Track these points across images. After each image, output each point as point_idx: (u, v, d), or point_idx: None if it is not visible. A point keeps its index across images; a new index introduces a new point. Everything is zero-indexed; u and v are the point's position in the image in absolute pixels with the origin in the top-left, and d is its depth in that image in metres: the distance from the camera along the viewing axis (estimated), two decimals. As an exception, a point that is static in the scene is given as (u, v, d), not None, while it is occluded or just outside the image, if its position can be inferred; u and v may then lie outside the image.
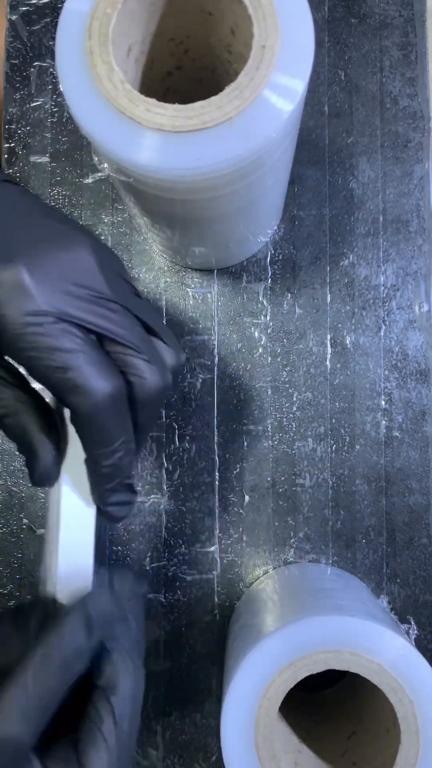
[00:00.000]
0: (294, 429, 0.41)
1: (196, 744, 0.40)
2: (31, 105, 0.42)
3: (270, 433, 0.41)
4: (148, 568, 0.40)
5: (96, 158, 0.27)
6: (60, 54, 0.24)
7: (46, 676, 0.22)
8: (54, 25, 0.42)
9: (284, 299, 0.41)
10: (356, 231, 0.41)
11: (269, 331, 0.41)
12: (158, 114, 0.24)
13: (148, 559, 0.40)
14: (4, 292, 0.22)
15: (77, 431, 0.25)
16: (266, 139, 0.23)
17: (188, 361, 0.41)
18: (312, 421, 0.41)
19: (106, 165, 0.26)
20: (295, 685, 0.29)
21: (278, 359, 0.41)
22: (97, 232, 0.42)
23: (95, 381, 0.23)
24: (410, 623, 0.40)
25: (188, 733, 0.40)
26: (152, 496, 0.41)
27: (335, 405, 0.41)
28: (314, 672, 0.29)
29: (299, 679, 0.29)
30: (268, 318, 0.41)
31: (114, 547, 0.40)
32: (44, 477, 0.26)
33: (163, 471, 0.41)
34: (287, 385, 0.41)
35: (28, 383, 0.26)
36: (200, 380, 0.41)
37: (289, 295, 0.41)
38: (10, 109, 0.42)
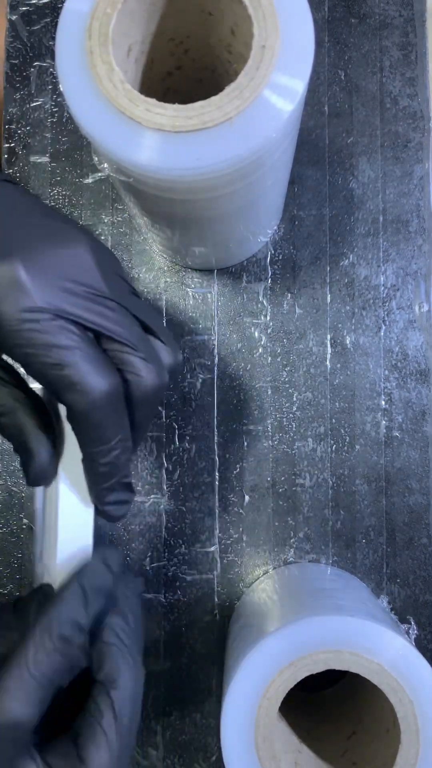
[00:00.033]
0: (294, 429, 0.41)
1: (196, 744, 0.40)
2: (31, 105, 0.42)
3: (270, 433, 0.41)
4: (148, 568, 0.40)
5: (96, 158, 0.27)
6: (60, 54, 0.24)
7: (47, 651, 0.23)
8: (54, 25, 0.42)
9: (284, 299, 0.41)
10: (356, 231, 0.41)
11: (269, 331, 0.41)
12: (158, 114, 0.24)
13: (148, 559, 0.40)
14: (1, 289, 0.22)
15: (74, 429, 0.24)
16: (266, 139, 0.23)
17: (188, 361, 0.41)
18: (312, 421, 0.41)
19: (106, 165, 0.26)
20: (295, 685, 0.29)
21: (278, 359, 0.41)
22: (97, 232, 0.42)
23: (92, 378, 0.23)
24: (410, 623, 0.40)
25: (188, 733, 0.40)
26: (152, 496, 0.41)
27: (335, 405, 0.41)
28: (314, 672, 0.29)
29: (299, 679, 0.29)
30: (268, 318, 0.41)
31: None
32: (40, 476, 0.26)
33: (163, 471, 0.41)
34: (287, 385, 0.41)
35: (24, 382, 0.26)
36: (200, 380, 0.41)
37: (289, 295, 0.41)
38: (10, 109, 0.42)
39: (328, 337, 0.41)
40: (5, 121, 0.42)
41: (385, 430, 0.40)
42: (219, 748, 0.37)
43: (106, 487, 0.26)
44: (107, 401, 0.24)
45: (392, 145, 0.41)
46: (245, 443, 0.41)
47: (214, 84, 0.33)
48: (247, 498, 0.41)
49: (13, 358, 0.23)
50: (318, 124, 0.42)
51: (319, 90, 0.42)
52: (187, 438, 0.41)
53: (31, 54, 0.42)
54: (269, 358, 0.41)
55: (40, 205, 0.26)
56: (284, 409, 0.41)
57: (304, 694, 0.39)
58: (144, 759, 0.40)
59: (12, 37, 0.42)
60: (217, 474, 0.41)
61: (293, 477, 0.40)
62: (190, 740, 0.40)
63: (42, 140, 0.42)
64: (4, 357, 0.26)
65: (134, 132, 0.24)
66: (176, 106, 0.24)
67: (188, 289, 0.42)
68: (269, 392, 0.41)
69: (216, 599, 0.40)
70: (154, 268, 0.42)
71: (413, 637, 0.39)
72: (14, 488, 0.41)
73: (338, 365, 0.41)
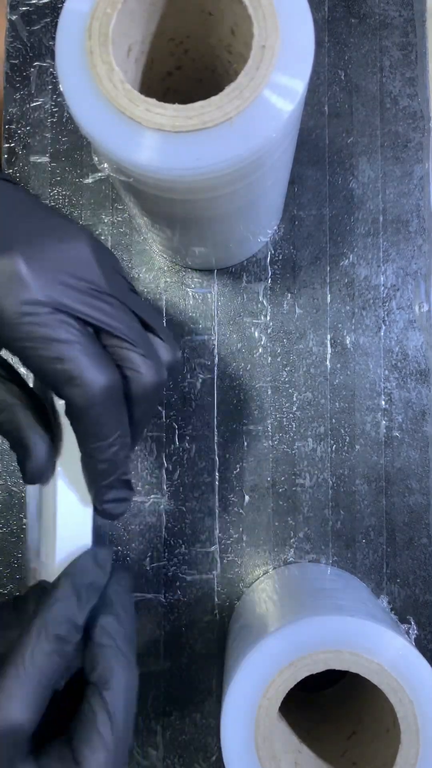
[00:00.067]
0: (294, 429, 0.41)
1: (196, 744, 0.40)
2: (31, 105, 0.42)
3: (270, 433, 0.41)
4: (148, 568, 0.40)
5: (96, 158, 0.27)
6: (60, 54, 0.24)
7: (44, 652, 0.22)
8: (54, 25, 0.42)
9: (284, 299, 0.41)
10: (356, 231, 0.41)
11: (269, 331, 0.41)
12: (158, 114, 0.24)
13: (148, 559, 0.40)
14: (1, 282, 0.22)
15: (72, 425, 0.24)
16: (266, 139, 0.23)
17: (188, 361, 0.41)
18: (312, 421, 0.41)
19: (106, 165, 0.26)
20: (295, 685, 0.29)
21: (278, 359, 0.41)
22: (97, 232, 0.42)
23: (91, 372, 0.23)
24: (410, 623, 0.40)
25: (188, 733, 0.40)
26: (152, 496, 0.41)
27: (335, 405, 0.41)
28: (314, 672, 0.29)
29: (299, 679, 0.29)
30: (268, 318, 0.41)
31: (114, 547, 0.40)
32: (36, 474, 0.26)
33: (163, 471, 0.41)
34: (287, 385, 0.41)
35: (22, 379, 0.26)
36: (200, 380, 0.41)
37: (289, 295, 0.41)
38: (10, 109, 0.42)
39: (328, 337, 0.41)
40: (5, 121, 0.42)
41: (385, 430, 0.40)
42: (219, 748, 0.37)
43: (105, 484, 0.25)
44: (106, 396, 0.23)
45: (392, 145, 0.41)
46: (245, 443, 0.41)
47: (214, 84, 0.33)
48: (247, 498, 0.41)
49: (12, 353, 0.23)
50: (318, 124, 0.42)
51: (319, 90, 0.42)
52: (187, 438, 0.41)
53: (31, 54, 0.42)
54: (269, 358, 0.41)
55: (41, 204, 0.26)
56: (284, 409, 0.41)
57: (304, 694, 0.39)
58: (144, 759, 0.40)
59: (12, 37, 0.42)
60: (217, 474, 0.41)
61: (293, 477, 0.40)
62: (190, 740, 0.40)
63: (42, 140, 0.42)
64: (3, 354, 0.26)
65: (134, 132, 0.24)
66: (176, 106, 0.24)
67: (188, 289, 0.42)
68: (269, 392, 0.41)
69: (216, 599, 0.40)
70: (154, 268, 0.42)
71: (413, 637, 0.39)
72: (14, 488, 0.41)
73: (338, 365, 0.41)
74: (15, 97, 0.42)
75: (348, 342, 0.41)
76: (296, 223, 0.41)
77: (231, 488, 0.41)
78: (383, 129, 0.41)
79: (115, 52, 0.24)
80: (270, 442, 0.41)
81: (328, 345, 0.41)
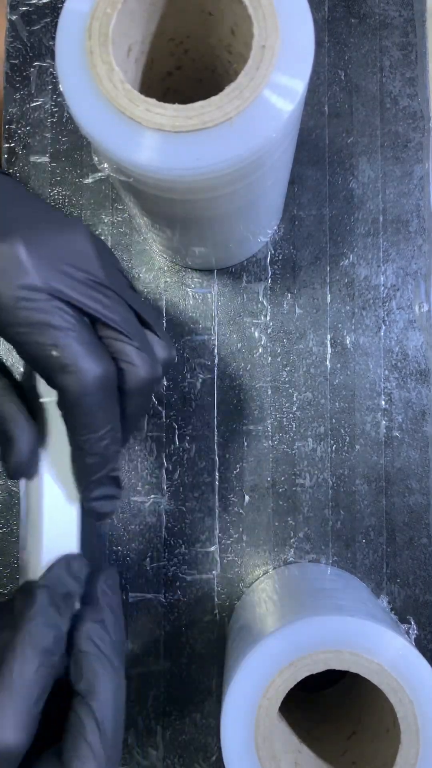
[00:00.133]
0: (294, 429, 0.41)
1: (196, 744, 0.40)
2: (31, 105, 0.42)
3: (270, 433, 0.41)
4: (148, 568, 0.40)
5: (96, 158, 0.27)
6: (60, 54, 0.24)
7: (33, 667, 0.22)
8: (54, 25, 0.42)
9: (284, 299, 0.41)
10: (356, 231, 0.41)
11: (269, 331, 0.41)
12: (158, 114, 0.24)
13: (148, 559, 0.40)
14: (0, 265, 0.22)
15: (63, 415, 0.24)
16: (266, 139, 0.23)
17: (188, 361, 0.41)
18: (312, 421, 0.41)
19: (106, 165, 0.26)
20: (295, 685, 0.29)
21: (278, 359, 0.41)
22: (97, 232, 0.42)
23: (85, 361, 0.23)
24: (410, 623, 0.40)
25: (188, 733, 0.40)
26: (152, 496, 0.41)
27: (335, 405, 0.41)
28: (314, 672, 0.29)
29: (299, 679, 0.29)
30: (268, 318, 0.41)
31: (114, 547, 0.40)
32: (19, 467, 0.25)
33: (163, 471, 0.41)
34: (287, 385, 0.41)
35: (8, 370, 0.26)
36: (200, 380, 0.41)
37: (289, 295, 0.41)
38: (10, 109, 0.42)
39: (328, 337, 0.41)
40: (5, 121, 0.42)
41: (385, 430, 0.40)
42: (219, 748, 0.37)
43: (93, 479, 0.25)
44: (100, 386, 0.23)
45: (392, 145, 0.41)
46: (245, 443, 0.41)
47: (214, 84, 0.33)
48: (247, 498, 0.41)
49: (6, 339, 0.23)
50: (318, 124, 0.42)
51: (319, 90, 0.42)
52: (187, 438, 0.41)
53: (31, 54, 0.42)
54: (269, 358, 0.41)
55: (41, 200, 0.26)
56: (284, 409, 0.41)
57: (304, 694, 0.39)
58: (144, 759, 0.40)
59: (12, 37, 0.42)
60: (217, 474, 0.41)
61: (293, 477, 0.40)
62: (190, 740, 0.40)
63: (42, 140, 0.42)
64: None
65: (134, 132, 0.24)
66: (176, 106, 0.24)
67: (188, 289, 0.42)
68: (269, 392, 0.41)
69: (216, 599, 0.40)
70: (154, 268, 0.42)
71: (413, 637, 0.39)
72: (14, 488, 0.41)
73: (338, 365, 0.41)
74: (15, 97, 0.42)
75: (348, 342, 0.41)
76: (296, 223, 0.41)
77: (231, 488, 0.41)
78: (383, 129, 0.41)
79: (115, 52, 0.24)
80: (270, 442, 0.41)
81: (328, 345, 0.41)
